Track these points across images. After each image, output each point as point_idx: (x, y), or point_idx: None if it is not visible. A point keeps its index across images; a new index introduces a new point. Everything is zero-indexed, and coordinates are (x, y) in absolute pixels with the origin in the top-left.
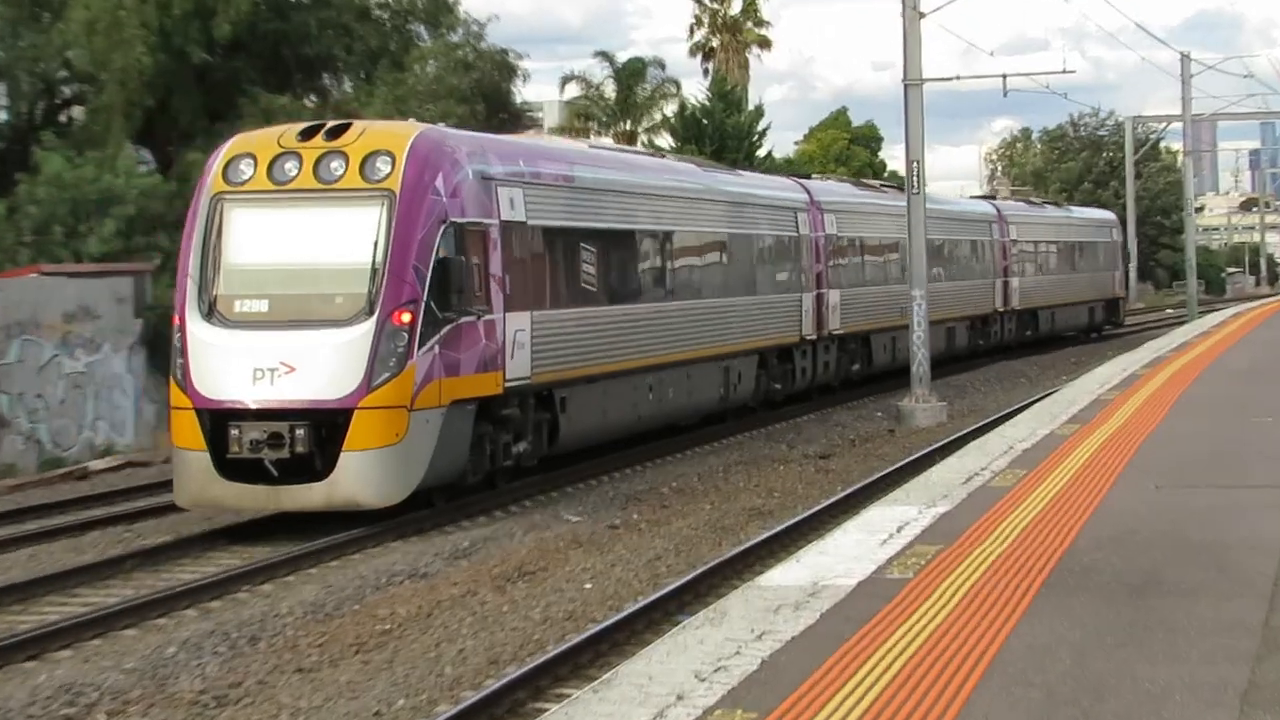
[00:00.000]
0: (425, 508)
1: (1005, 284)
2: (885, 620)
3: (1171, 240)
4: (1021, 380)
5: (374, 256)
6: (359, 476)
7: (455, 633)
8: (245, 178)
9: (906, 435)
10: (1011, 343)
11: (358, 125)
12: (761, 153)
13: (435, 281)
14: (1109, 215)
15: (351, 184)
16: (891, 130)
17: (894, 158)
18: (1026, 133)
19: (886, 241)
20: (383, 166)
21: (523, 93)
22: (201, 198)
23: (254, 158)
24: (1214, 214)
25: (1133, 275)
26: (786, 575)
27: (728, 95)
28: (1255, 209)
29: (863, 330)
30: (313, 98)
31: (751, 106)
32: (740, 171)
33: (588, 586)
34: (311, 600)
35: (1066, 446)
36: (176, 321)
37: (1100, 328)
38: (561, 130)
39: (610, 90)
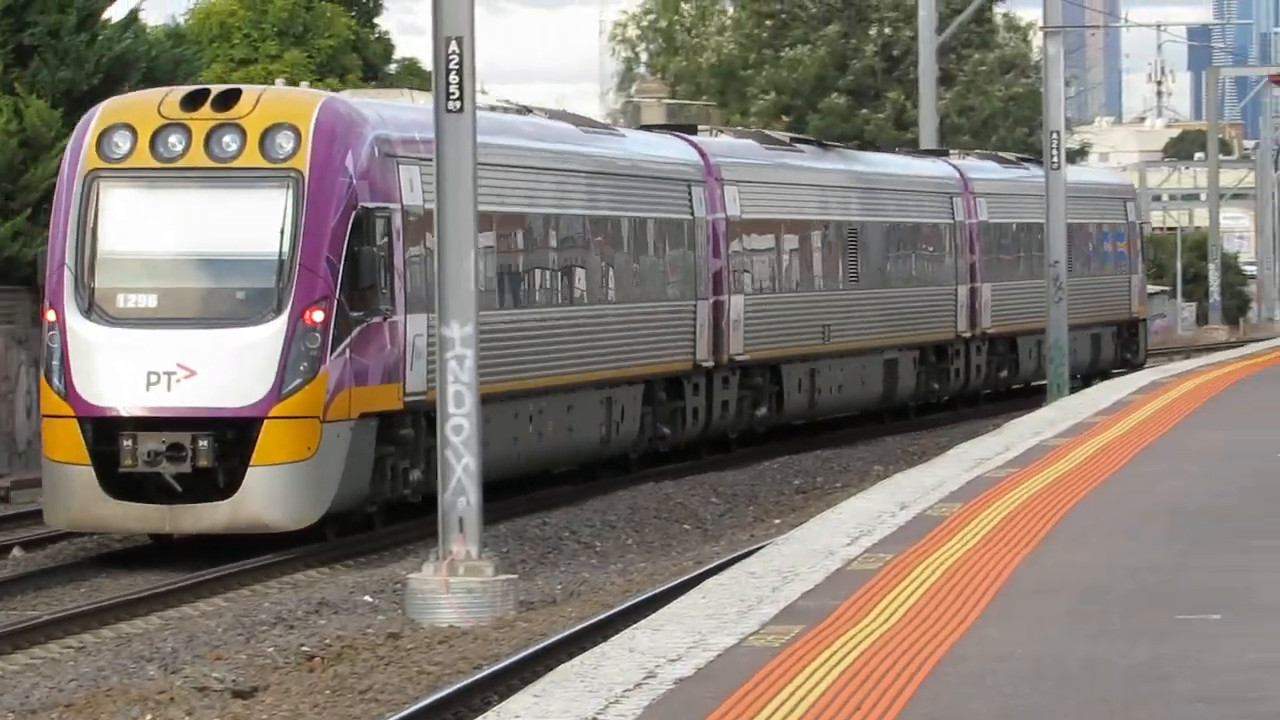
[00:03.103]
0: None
1: (973, 293)
2: None
3: None
4: (685, 526)
5: (281, 246)
6: (268, 495)
7: None
8: (123, 153)
9: (425, 645)
10: (979, 387)
11: (249, 92)
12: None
13: (347, 276)
14: (1121, 180)
15: (251, 162)
16: None
17: (413, 33)
18: None
19: (816, 224)
20: (285, 143)
21: None
22: (74, 175)
23: (132, 130)
24: (1112, 163)
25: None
26: None
27: None
28: (1196, 157)
29: (772, 357)
30: None
31: None
32: (620, 129)
33: None
34: None
35: (769, 673)
36: (51, 318)
37: (1107, 370)
38: None
39: None
